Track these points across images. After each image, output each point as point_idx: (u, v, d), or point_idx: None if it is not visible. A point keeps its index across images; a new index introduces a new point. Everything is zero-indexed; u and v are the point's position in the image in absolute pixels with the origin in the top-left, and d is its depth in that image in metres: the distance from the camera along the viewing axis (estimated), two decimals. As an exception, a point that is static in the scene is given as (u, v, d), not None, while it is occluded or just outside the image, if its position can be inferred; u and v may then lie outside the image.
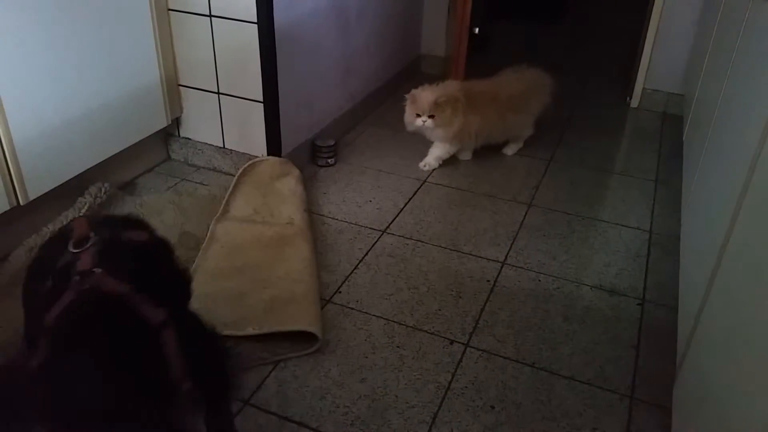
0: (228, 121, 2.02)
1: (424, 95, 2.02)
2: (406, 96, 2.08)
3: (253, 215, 1.79)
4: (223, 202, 1.83)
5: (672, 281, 1.64)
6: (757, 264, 0.85)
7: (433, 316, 1.50)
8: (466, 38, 2.66)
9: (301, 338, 1.38)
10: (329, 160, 2.17)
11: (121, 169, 1.96)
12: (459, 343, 1.43)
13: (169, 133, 2.12)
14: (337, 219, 1.87)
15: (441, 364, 1.37)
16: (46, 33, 1.54)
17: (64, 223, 1.58)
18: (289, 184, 1.90)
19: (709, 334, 1.06)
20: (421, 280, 1.62)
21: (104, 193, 1.82)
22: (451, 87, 2.08)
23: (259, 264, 1.60)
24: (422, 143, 2.19)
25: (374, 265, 1.67)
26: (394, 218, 1.89)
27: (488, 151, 2.27)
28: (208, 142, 2.09)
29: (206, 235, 1.70)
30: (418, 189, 2.06)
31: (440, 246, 1.76)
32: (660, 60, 2.63)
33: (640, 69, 2.68)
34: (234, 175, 1.95)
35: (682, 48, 2.58)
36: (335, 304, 1.53)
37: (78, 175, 1.73)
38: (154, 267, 1.01)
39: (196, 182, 2.04)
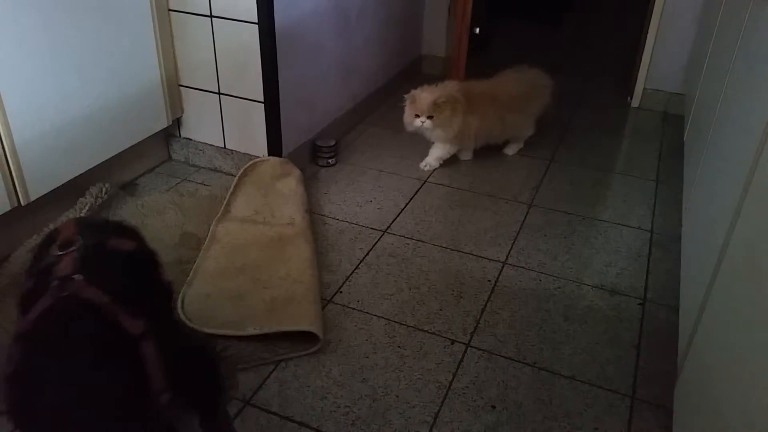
0: (229, 122, 2.02)
1: (423, 96, 2.01)
2: (406, 96, 2.08)
3: (254, 215, 1.80)
4: (224, 202, 1.83)
5: (673, 281, 1.64)
6: (759, 264, 0.85)
7: (434, 316, 1.50)
8: (467, 38, 2.66)
9: (302, 338, 1.38)
10: (330, 161, 2.17)
11: (122, 170, 1.97)
12: (460, 343, 1.43)
13: (170, 133, 2.12)
14: (337, 219, 1.87)
15: (442, 364, 1.37)
16: (47, 33, 1.54)
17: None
18: (290, 185, 1.90)
19: (710, 334, 1.06)
20: (422, 280, 1.62)
21: (105, 193, 1.82)
22: (451, 87, 2.08)
23: (259, 264, 1.60)
24: (423, 143, 2.19)
25: (375, 265, 1.67)
26: (395, 218, 1.89)
27: (489, 151, 2.27)
28: (209, 143, 2.09)
29: (207, 235, 1.70)
30: (419, 189, 2.06)
31: (441, 246, 1.76)
32: (661, 60, 2.63)
33: (640, 69, 2.68)
34: (235, 176, 1.95)
35: (682, 48, 2.58)
36: (336, 304, 1.53)
37: (79, 175, 1.73)
38: (136, 277, 0.99)
39: (197, 182, 2.04)
